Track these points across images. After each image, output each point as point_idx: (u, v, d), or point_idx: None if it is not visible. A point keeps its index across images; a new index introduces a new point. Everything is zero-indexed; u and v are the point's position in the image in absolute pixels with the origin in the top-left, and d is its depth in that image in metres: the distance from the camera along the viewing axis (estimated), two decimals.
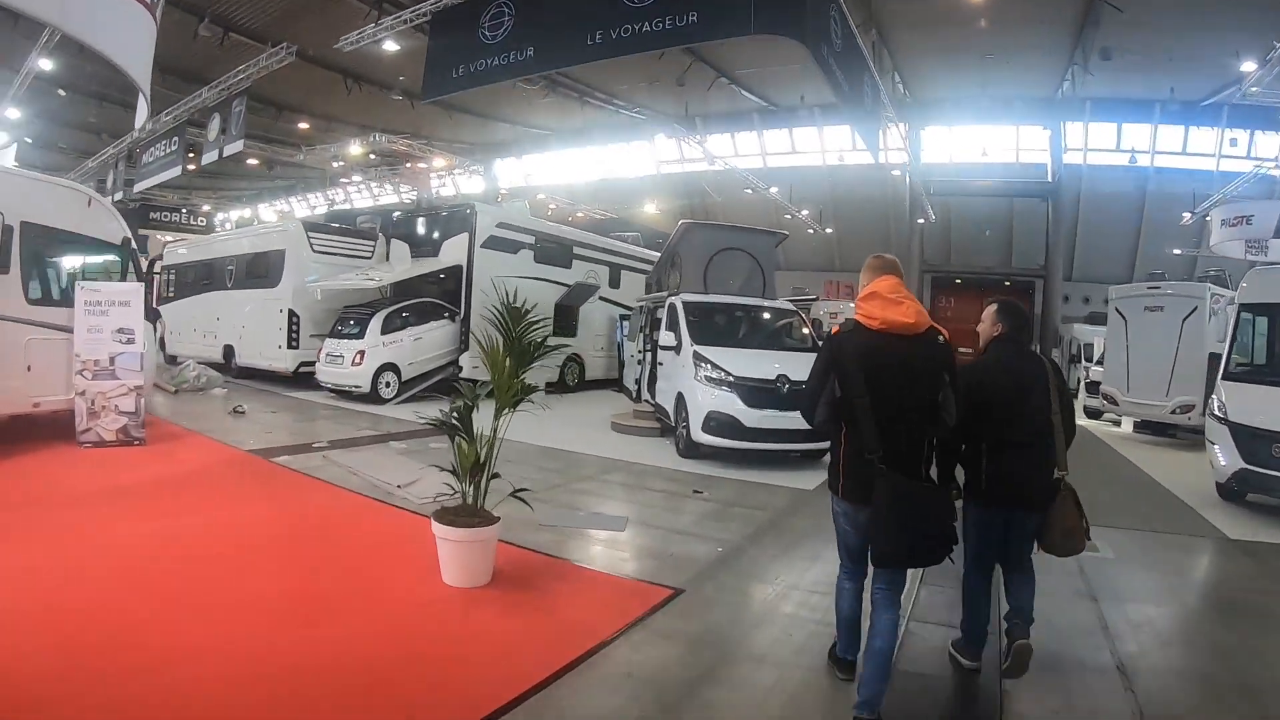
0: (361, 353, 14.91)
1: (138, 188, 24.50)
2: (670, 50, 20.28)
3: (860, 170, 29.44)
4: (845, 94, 11.20)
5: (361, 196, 40.89)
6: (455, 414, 5.38)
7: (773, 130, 30.42)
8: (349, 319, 15.80)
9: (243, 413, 13.08)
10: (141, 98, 9.04)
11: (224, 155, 19.07)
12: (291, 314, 16.66)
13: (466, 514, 5.26)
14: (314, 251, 17.13)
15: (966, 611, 4.28)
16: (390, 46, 16.15)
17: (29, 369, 9.43)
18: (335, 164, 30.39)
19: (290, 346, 16.67)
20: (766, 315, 12.39)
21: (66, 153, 32.51)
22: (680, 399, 10.61)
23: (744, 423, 9.62)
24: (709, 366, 10.05)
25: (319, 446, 10.27)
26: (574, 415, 14.44)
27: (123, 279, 10.76)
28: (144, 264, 14.57)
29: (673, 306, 11.69)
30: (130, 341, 9.96)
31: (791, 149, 31.08)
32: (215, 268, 19.58)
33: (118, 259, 10.93)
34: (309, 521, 6.86)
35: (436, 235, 17.09)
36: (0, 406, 9.23)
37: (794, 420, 9.35)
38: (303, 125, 28.32)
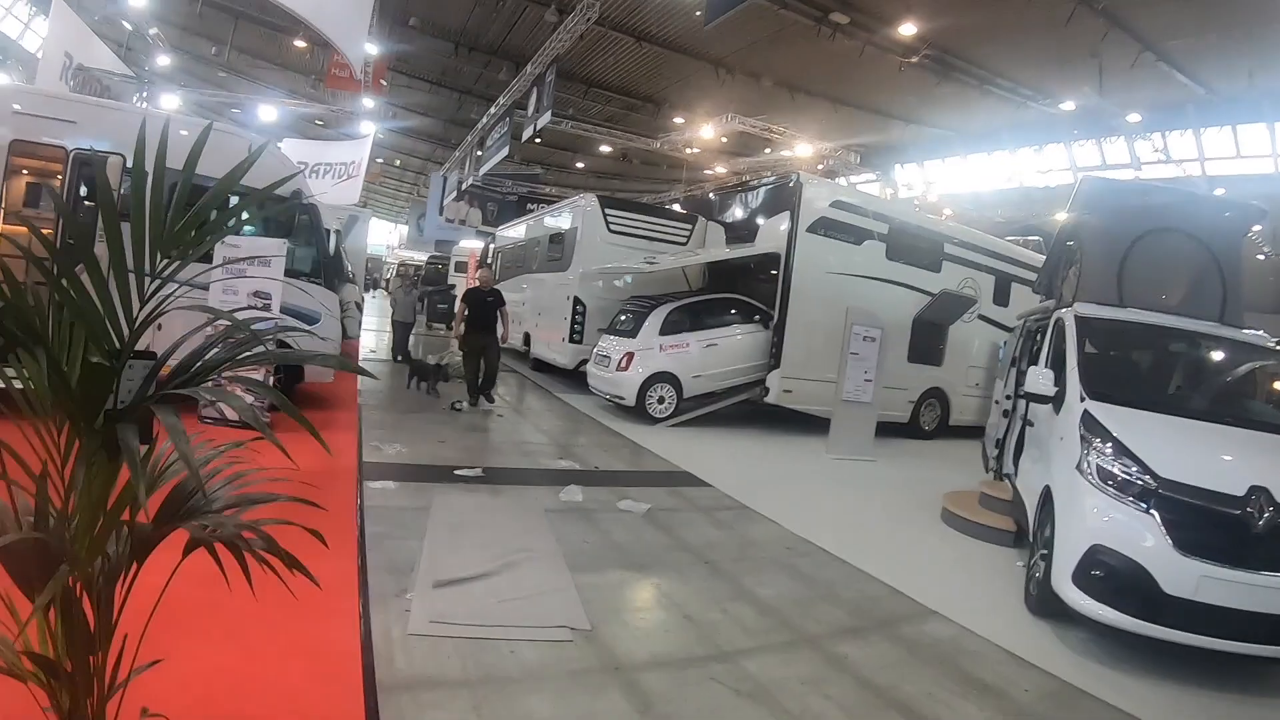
0: (630, 355, 11.73)
1: (480, 171, 25.54)
2: (1080, 11, 15.81)
3: None
4: None
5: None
6: None
7: (1211, 129, 22.36)
8: (627, 312, 12.76)
9: (459, 409, 10.97)
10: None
11: (537, 129, 18.40)
12: (576, 302, 14.07)
13: None
14: (610, 232, 14.41)
15: None
16: None
17: (159, 328, 7.73)
18: (688, 151, 28.20)
19: (572, 340, 14.10)
20: (1227, 356, 6.79)
21: (426, 140, 35.83)
22: (1047, 497, 5.68)
23: (1162, 585, 4.51)
24: (1107, 449, 5.09)
25: (463, 474, 7.32)
26: (900, 477, 9.97)
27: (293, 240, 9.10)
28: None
29: (1059, 325, 6.74)
30: (266, 308, 8.04)
31: (1235, 152, 22.44)
32: (526, 249, 17.95)
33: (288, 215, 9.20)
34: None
35: (753, 215, 13.42)
36: None
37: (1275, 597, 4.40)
38: (678, 120, 27.21)
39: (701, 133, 25.23)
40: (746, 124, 23.78)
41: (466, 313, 11.63)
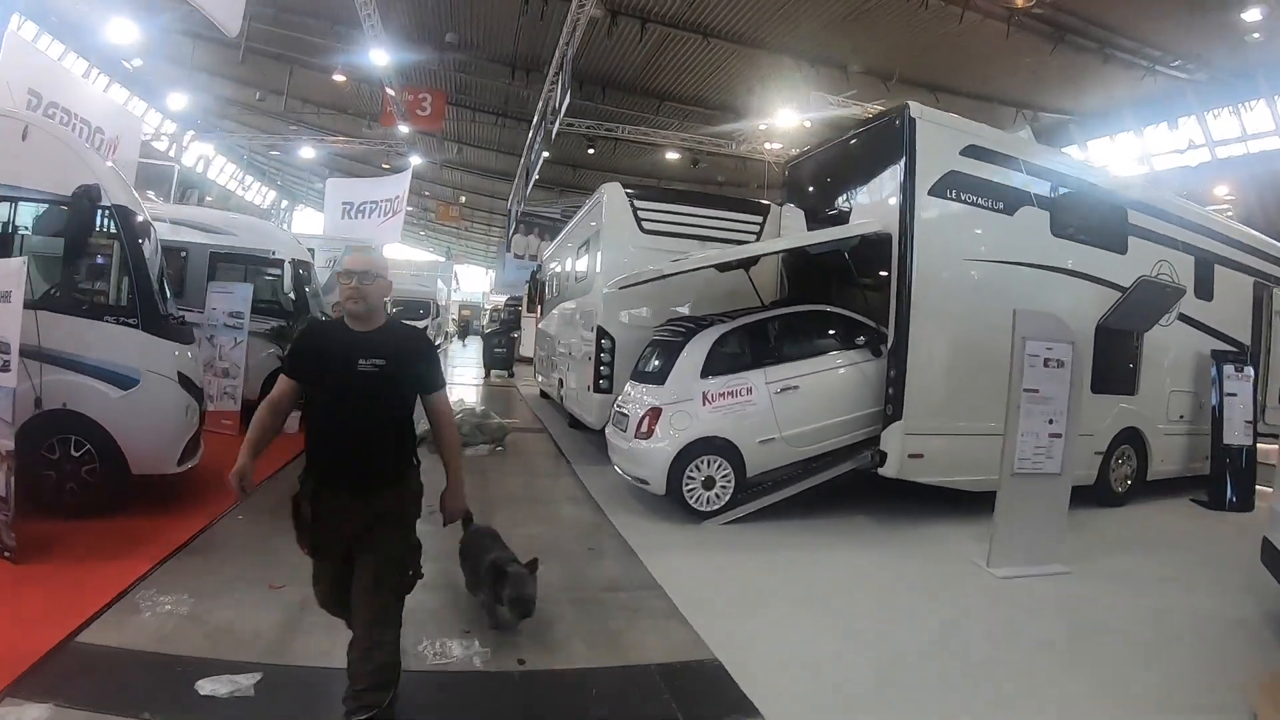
0: (654, 413, 7.43)
1: (527, 191, 24.49)
2: None
3: None
4: None
5: None
6: None
7: None
8: (657, 344, 8.52)
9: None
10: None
11: (561, 116, 16.29)
12: (601, 334, 9.95)
13: None
14: (644, 232, 10.25)
15: None
16: None
17: None
18: (769, 146, 24.74)
19: (598, 389, 9.93)
20: None
21: (502, 178, 35.90)
22: None
23: None
24: None
25: (211, 691, 3.60)
26: (1122, 610, 5.40)
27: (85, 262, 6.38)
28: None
29: None
30: (4, 368, 5.01)
31: None
32: (560, 273, 14.19)
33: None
34: None
35: (844, 184, 8.97)
36: None
37: None
38: (761, 126, 24.40)
39: (779, 120, 21.70)
40: (832, 102, 20.02)
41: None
